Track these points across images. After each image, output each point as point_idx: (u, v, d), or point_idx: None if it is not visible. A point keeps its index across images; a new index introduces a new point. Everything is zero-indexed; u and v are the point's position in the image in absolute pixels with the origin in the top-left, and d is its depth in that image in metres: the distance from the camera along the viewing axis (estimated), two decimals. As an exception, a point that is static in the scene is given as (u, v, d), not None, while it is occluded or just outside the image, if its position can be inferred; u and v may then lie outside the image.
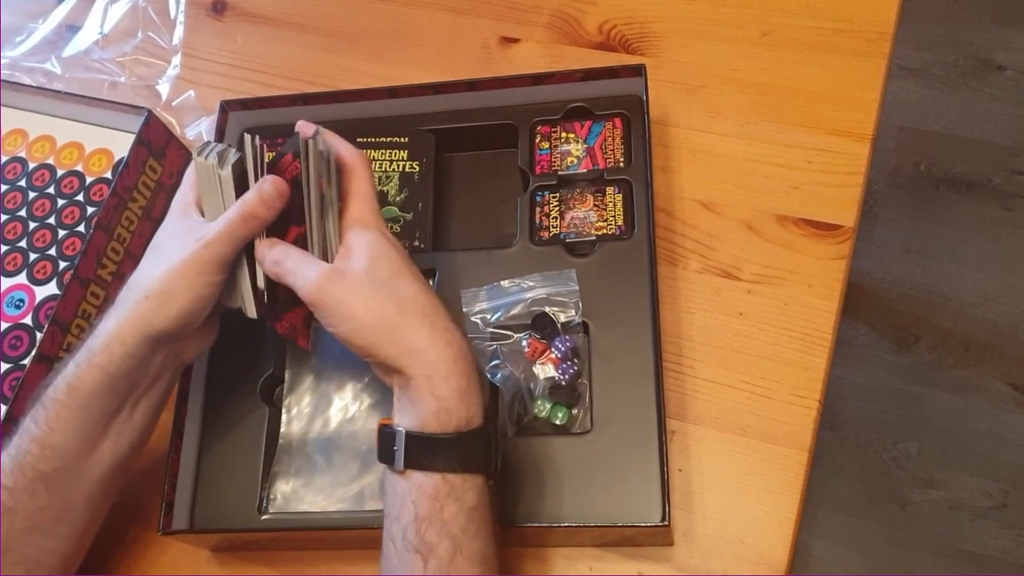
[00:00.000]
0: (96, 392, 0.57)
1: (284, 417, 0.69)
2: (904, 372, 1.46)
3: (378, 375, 0.59)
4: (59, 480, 0.58)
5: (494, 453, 0.55)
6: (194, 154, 0.59)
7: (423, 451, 0.53)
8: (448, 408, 0.53)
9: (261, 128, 0.79)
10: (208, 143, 0.59)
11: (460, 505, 0.53)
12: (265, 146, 0.59)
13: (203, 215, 0.60)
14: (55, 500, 0.58)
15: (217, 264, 0.57)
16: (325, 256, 0.59)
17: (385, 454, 0.54)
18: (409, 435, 0.53)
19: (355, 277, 0.55)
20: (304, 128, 0.59)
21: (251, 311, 0.61)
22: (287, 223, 0.59)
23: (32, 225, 0.83)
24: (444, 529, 0.52)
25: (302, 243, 0.59)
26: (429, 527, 0.52)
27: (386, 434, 0.55)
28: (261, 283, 0.60)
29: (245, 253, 0.59)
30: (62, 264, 0.80)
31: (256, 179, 0.59)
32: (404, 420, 0.55)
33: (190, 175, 0.62)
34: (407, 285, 0.56)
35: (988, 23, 1.70)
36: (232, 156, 0.58)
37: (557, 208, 0.73)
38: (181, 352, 0.62)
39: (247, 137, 0.59)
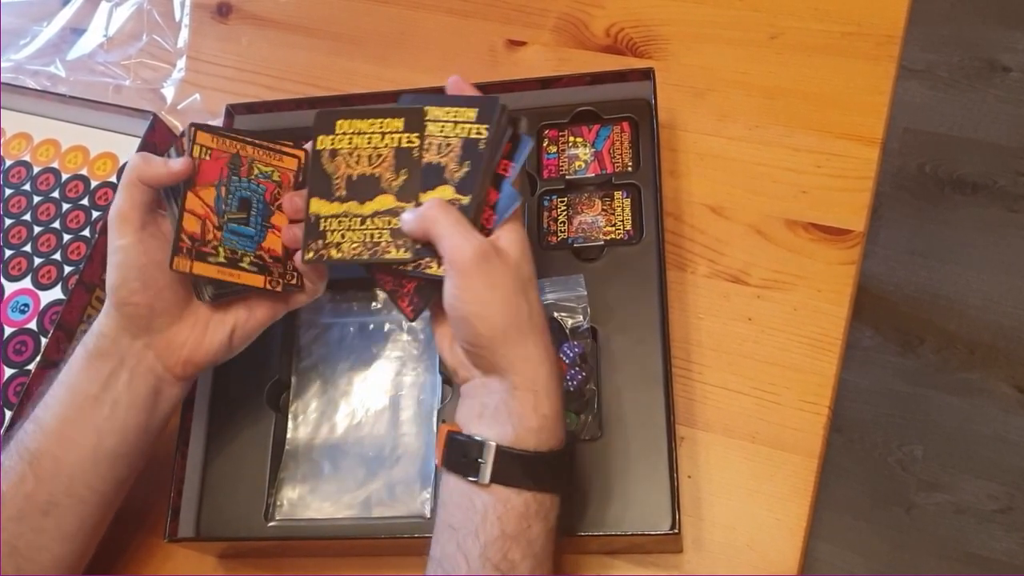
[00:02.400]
0: (77, 367, 0.59)
1: (290, 423, 0.69)
2: (909, 375, 1.46)
3: (458, 368, 0.56)
4: (42, 463, 0.58)
5: (571, 473, 0.55)
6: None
7: (517, 468, 0.51)
8: (548, 427, 0.52)
9: (266, 132, 0.78)
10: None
11: (544, 525, 0.52)
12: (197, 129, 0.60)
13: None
14: (40, 489, 0.58)
15: (125, 220, 0.57)
16: None
17: (463, 465, 0.52)
18: (501, 449, 0.51)
19: (507, 266, 0.54)
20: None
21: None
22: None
23: (37, 229, 0.83)
24: (529, 548, 0.51)
25: None
26: (515, 546, 0.50)
27: (462, 442, 0.53)
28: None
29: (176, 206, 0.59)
30: (67, 269, 0.80)
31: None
32: (492, 431, 0.52)
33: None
34: (535, 295, 0.55)
35: (993, 24, 1.69)
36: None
37: (565, 212, 0.72)
38: (160, 346, 0.59)
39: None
